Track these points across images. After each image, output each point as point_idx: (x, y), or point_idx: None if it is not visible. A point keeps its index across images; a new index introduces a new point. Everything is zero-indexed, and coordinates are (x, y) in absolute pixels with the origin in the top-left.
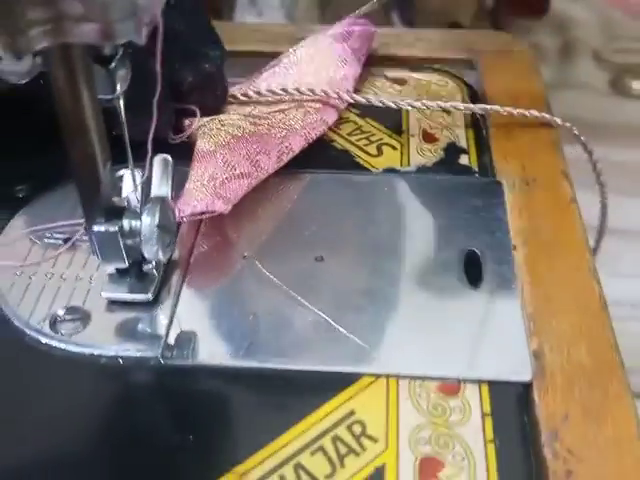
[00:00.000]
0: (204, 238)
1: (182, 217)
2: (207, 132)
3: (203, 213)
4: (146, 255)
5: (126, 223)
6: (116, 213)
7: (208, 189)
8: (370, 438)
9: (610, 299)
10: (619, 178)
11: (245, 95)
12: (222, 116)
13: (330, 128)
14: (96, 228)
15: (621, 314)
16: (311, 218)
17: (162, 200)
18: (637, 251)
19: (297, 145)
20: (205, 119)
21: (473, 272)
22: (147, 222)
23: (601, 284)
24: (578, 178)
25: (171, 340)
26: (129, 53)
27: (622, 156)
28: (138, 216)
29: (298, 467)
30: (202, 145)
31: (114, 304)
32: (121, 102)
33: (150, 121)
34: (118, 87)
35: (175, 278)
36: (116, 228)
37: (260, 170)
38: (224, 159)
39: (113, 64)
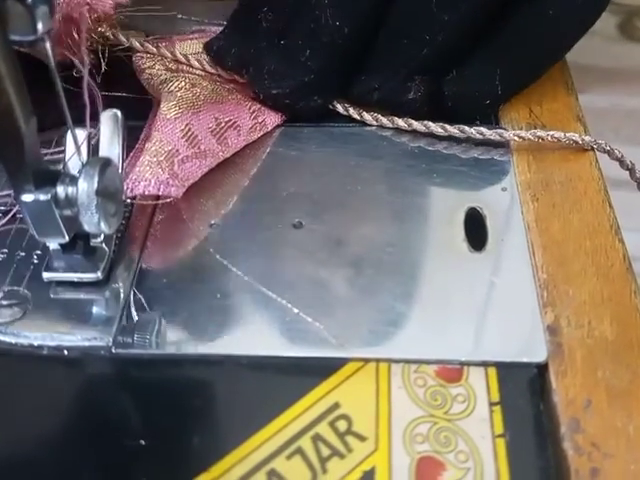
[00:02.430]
0: (165, 205)
1: (131, 195)
2: (174, 92)
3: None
4: (86, 227)
5: (61, 190)
6: (49, 179)
7: (164, 167)
8: (357, 436)
9: (632, 255)
10: (634, 126)
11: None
12: (190, 75)
13: None
14: (25, 197)
15: None
16: (288, 178)
17: (104, 161)
18: None
19: (272, 121)
20: (167, 74)
21: (476, 234)
22: (84, 188)
23: (625, 243)
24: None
25: (126, 326)
26: None
27: (636, 103)
28: (76, 182)
29: (272, 474)
30: (166, 111)
31: (59, 286)
32: (47, 45)
33: None
34: (40, 26)
35: (131, 253)
36: (48, 196)
37: (226, 148)
38: (189, 132)
39: None
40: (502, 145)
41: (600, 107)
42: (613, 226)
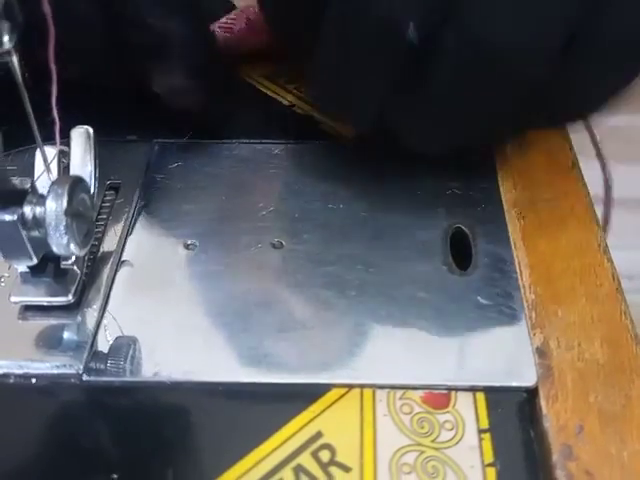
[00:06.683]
0: (138, 223)
1: None
2: None
3: None
4: (54, 249)
5: (28, 210)
6: (16, 198)
7: None
8: (341, 466)
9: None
10: (617, 144)
11: None
12: None
13: (289, 90)
14: None
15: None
16: (268, 196)
17: (73, 180)
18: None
19: None
20: None
21: (461, 253)
22: (52, 208)
23: (613, 262)
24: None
25: (98, 352)
26: None
27: (620, 121)
28: (44, 201)
29: None
30: None
31: (28, 310)
32: (14, 59)
33: None
34: (5, 39)
35: (104, 274)
36: (15, 217)
37: None
38: None
39: None
40: (486, 161)
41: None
42: (601, 245)
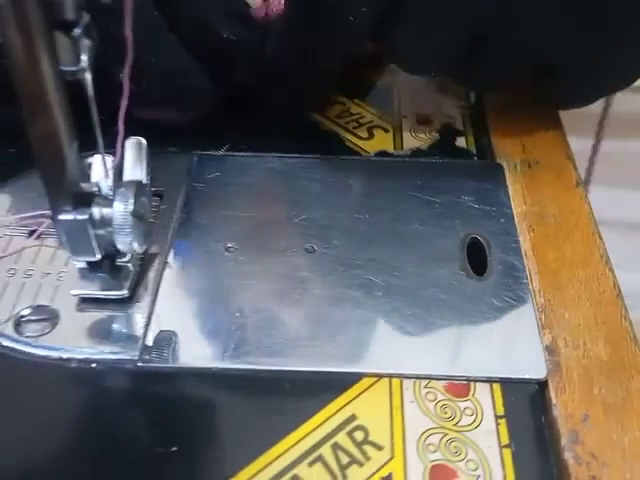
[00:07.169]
0: (183, 228)
1: None
2: None
3: None
4: (119, 246)
5: (96, 211)
6: (85, 200)
7: None
8: (374, 445)
9: None
10: (603, 169)
11: None
12: None
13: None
14: (63, 216)
15: None
16: (300, 205)
17: (136, 185)
18: (624, 243)
19: None
20: None
21: (477, 261)
22: (120, 209)
23: (614, 272)
24: None
25: (149, 341)
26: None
27: (605, 147)
28: (110, 203)
29: None
30: None
31: (85, 302)
32: (87, 75)
33: None
34: (83, 57)
35: (152, 272)
36: (86, 216)
37: None
38: None
39: (77, 30)
40: (498, 178)
41: None
42: (603, 256)
